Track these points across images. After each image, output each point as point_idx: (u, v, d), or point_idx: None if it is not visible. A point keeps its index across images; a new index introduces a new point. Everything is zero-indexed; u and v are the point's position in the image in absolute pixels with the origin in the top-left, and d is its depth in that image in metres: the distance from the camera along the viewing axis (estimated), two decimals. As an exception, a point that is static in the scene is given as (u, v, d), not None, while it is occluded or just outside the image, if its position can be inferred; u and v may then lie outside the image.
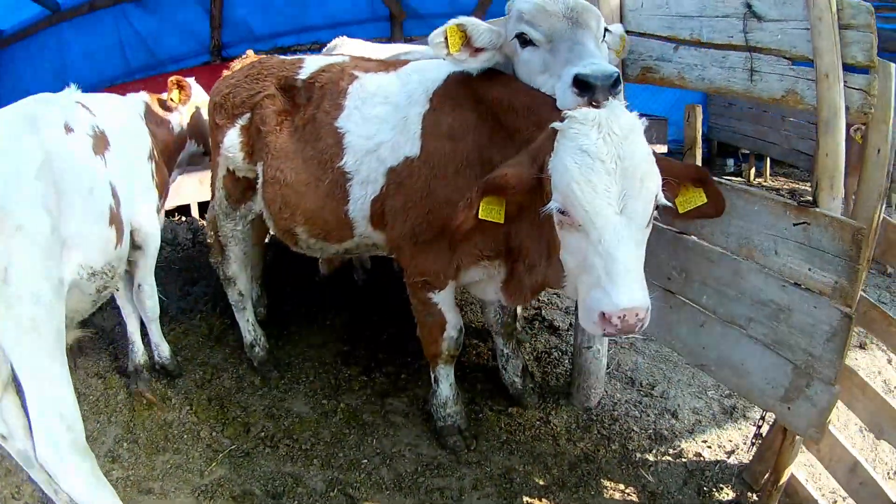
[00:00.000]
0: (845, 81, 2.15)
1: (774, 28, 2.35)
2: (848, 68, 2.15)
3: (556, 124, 2.29)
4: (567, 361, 4.33)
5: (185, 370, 4.23)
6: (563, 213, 2.23)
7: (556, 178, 2.23)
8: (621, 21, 3.15)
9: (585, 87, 2.39)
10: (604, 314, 2.11)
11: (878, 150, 2.20)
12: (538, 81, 2.74)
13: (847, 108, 2.16)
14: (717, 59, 2.68)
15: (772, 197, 2.57)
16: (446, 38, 2.77)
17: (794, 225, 2.40)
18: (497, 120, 2.85)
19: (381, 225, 3.30)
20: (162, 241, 6.19)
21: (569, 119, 2.24)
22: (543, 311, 5.08)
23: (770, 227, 2.54)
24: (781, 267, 2.53)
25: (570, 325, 4.82)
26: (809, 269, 2.40)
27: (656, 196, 2.22)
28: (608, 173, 2.13)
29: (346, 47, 4.98)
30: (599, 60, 2.50)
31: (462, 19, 2.79)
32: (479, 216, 2.45)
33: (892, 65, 2.15)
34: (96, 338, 4.56)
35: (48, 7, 7.04)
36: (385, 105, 3.22)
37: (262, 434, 3.66)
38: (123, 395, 3.95)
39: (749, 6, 2.38)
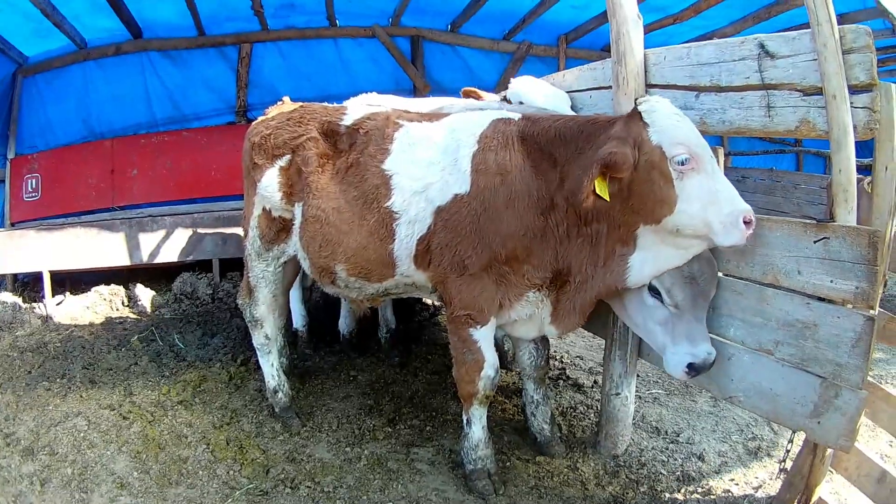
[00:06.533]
0: (851, 102, 2.56)
1: (786, 63, 2.78)
2: (853, 91, 2.56)
3: (638, 105, 2.99)
4: (592, 415, 4.55)
5: (203, 412, 4.41)
6: (683, 163, 2.89)
7: (674, 135, 2.92)
8: (646, 75, 3.57)
9: (693, 369, 3.10)
10: (744, 218, 2.83)
11: (886, 168, 2.60)
12: (649, 326, 3.31)
13: (855, 127, 2.56)
14: (736, 100, 3.09)
15: (792, 220, 2.91)
16: None
17: (815, 242, 2.73)
18: (541, 151, 3.30)
19: (423, 264, 3.55)
20: (181, 295, 6.59)
21: (645, 102, 3.02)
22: (568, 371, 5.35)
23: (792, 248, 2.87)
24: (804, 285, 2.82)
25: (595, 382, 5.08)
26: (831, 281, 2.69)
27: None
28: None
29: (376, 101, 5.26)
30: (708, 343, 3.14)
31: None
32: (596, 191, 2.95)
33: (893, 86, 2.56)
34: (111, 373, 4.82)
35: (75, 42, 7.27)
36: (433, 149, 3.53)
37: (283, 476, 3.77)
38: (137, 428, 4.11)
39: (763, 46, 2.84)
